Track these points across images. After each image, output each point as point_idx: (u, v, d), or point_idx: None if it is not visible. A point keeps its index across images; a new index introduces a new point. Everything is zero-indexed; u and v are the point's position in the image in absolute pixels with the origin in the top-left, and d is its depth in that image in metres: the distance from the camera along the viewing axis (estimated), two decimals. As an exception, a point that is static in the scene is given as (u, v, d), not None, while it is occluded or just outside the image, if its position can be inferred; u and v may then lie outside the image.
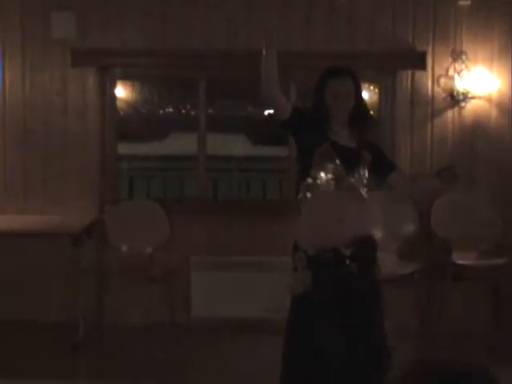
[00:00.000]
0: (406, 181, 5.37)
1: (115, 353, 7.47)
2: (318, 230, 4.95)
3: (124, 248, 7.90)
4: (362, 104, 5.15)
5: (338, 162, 4.88)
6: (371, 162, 5.04)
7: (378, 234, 5.32)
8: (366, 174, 5.01)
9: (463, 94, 7.90)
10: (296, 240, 4.98)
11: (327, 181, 4.90)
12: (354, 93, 5.06)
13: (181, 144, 14.59)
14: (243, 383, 6.48)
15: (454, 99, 7.94)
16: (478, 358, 6.67)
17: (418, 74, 8.02)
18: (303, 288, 4.89)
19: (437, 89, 8.01)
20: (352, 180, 4.93)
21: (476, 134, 8.02)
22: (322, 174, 4.90)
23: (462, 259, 7.60)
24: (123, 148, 9.27)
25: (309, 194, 4.97)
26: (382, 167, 5.15)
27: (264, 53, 4.92)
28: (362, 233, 4.91)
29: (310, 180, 4.94)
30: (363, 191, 5.00)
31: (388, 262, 7.59)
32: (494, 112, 8.01)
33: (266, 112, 23.87)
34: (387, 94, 8.23)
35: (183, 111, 27.40)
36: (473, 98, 7.92)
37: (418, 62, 7.97)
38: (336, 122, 5.04)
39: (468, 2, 7.70)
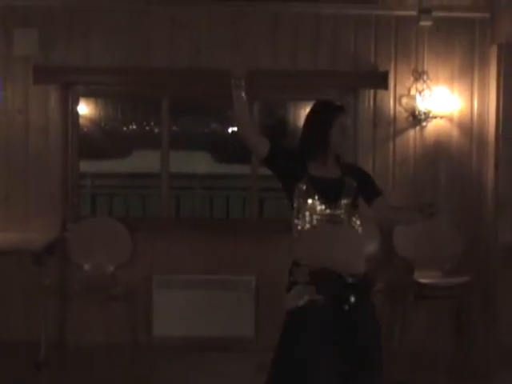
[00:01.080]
0: (389, 208, 5.15)
1: (77, 372, 7.37)
2: (320, 256, 4.76)
3: (86, 266, 7.81)
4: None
5: (316, 197, 4.75)
6: (357, 188, 4.89)
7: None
8: (352, 202, 4.83)
9: (425, 113, 7.96)
10: (297, 258, 4.82)
11: (310, 216, 4.78)
12: None
13: (144, 161, 14.58)
14: None
15: (416, 119, 7.98)
16: (439, 378, 6.91)
17: (380, 93, 8.04)
18: (305, 299, 4.70)
19: (399, 108, 8.04)
20: (337, 212, 4.78)
21: (438, 153, 8.04)
22: (305, 211, 4.79)
23: (423, 278, 7.63)
24: (86, 165, 9.20)
25: (298, 227, 4.83)
26: (369, 192, 4.97)
27: (233, 96, 4.84)
28: (357, 268, 4.78)
29: (295, 214, 4.84)
30: (353, 220, 4.82)
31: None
32: (455, 132, 8.09)
33: (230, 129, 23.87)
34: (350, 113, 7.94)
35: (147, 128, 27.38)
36: (434, 117, 7.98)
37: (380, 81, 7.99)
38: (332, 154, 4.92)
39: (429, 22, 7.74)
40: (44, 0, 7.84)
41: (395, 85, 8.03)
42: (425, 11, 7.70)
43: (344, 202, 4.75)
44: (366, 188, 4.94)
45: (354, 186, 4.84)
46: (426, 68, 7.99)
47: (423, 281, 7.60)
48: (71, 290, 7.77)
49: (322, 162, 4.87)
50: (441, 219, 7.70)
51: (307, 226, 4.77)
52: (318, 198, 4.74)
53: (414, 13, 7.77)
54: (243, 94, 4.81)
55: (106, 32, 7.95)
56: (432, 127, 8.02)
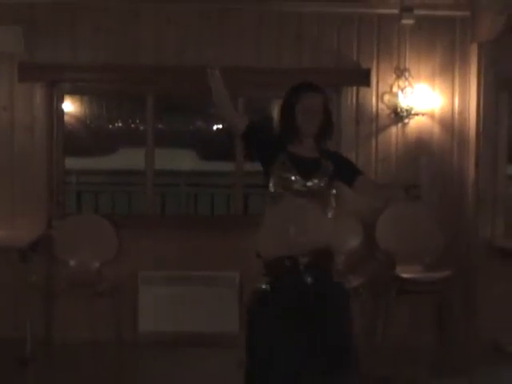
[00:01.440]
0: (372, 184, 5.24)
1: (63, 369, 7.35)
2: (277, 238, 4.81)
3: (71, 263, 7.80)
4: (330, 119, 5.04)
5: (294, 171, 4.80)
6: (335, 171, 4.91)
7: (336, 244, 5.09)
8: (325, 183, 4.88)
9: (407, 110, 8.00)
10: (256, 248, 4.89)
11: (285, 190, 4.81)
12: (321, 107, 4.95)
13: (129, 159, 14.63)
14: None
15: (398, 115, 8.02)
16: (421, 372, 6.92)
17: (363, 90, 8.09)
18: (259, 294, 4.80)
19: (381, 105, 8.09)
20: (310, 188, 4.82)
21: (419, 150, 8.06)
22: (280, 185, 4.83)
23: (405, 273, 7.63)
24: (71, 162, 9.20)
25: (270, 204, 4.91)
26: (348, 174, 4.97)
27: (210, 82, 4.91)
28: (318, 244, 4.78)
29: (270, 190, 4.88)
30: (325, 199, 4.87)
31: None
32: (436, 128, 8.16)
33: (215, 127, 23.82)
34: (333, 110, 8.10)
35: (132, 126, 27.26)
36: (416, 114, 8.02)
37: (363, 78, 8.04)
38: (303, 134, 4.93)
39: (411, 21, 7.79)
40: (29, -4, 7.68)
41: (377, 82, 8.09)
42: (407, 9, 7.74)
43: (316, 180, 4.80)
44: (346, 170, 4.97)
45: (331, 169, 4.88)
46: (407, 66, 8.04)
47: (405, 275, 7.61)
48: (57, 287, 7.78)
49: (298, 142, 4.93)
50: (423, 214, 7.99)
51: (280, 199, 4.80)
52: (296, 173, 4.79)
53: (396, 11, 7.80)
54: (220, 80, 4.88)
55: (91, 29, 7.94)
56: (414, 124, 8.07)
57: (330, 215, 4.89)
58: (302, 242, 4.75)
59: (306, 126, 4.91)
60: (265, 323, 4.74)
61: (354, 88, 8.13)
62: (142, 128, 10.80)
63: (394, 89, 8.02)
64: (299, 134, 4.93)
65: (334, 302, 4.81)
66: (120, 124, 29.26)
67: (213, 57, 5.03)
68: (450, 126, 8.14)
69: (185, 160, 22.39)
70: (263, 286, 4.75)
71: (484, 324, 7.80)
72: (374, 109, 8.11)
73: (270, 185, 4.86)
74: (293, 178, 4.79)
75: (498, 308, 7.78)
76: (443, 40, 8.08)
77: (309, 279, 4.72)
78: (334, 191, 4.88)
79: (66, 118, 8.47)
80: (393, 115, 8.04)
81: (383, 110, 8.07)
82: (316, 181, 4.81)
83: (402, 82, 8.01)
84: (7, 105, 7.92)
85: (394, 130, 8.11)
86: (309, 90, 4.95)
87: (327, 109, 4.99)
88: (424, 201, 5.31)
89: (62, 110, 8.30)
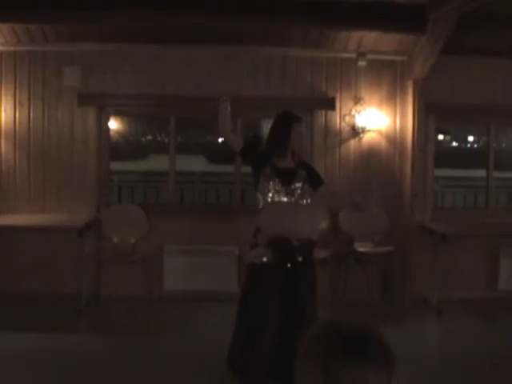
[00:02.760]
0: (330, 194, 5.52)
1: (108, 316, 7.78)
2: (277, 224, 5.09)
3: (114, 239, 8.08)
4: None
5: (276, 180, 5.13)
6: (306, 177, 5.26)
7: (316, 232, 5.37)
8: (302, 186, 5.20)
9: (362, 128, 8.17)
10: (259, 226, 5.13)
11: (269, 194, 5.16)
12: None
13: (157, 163, 14.15)
14: (204, 339, 6.48)
15: (355, 132, 8.22)
16: (369, 319, 6.41)
17: (330, 113, 8.26)
18: (263, 259, 5.03)
19: (343, 124, 8.25)
20: (290, 191, 5.16)
21: (371, 157, 8.29)
22: (266, 190, 5.17)
23: (360, 248, 7.97)
24: (114, 165, 9.23)
25: (261, 203, 5.20)
26: (314, 181, 5.29)
27: (220, 108, 5.22)
28: (302, 235, 5.10)
29: (259, 193, 5.21)
30: (302, 199, 5.19)
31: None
32: (383, 142, 8.31)
33: (220, 139, 23.93)
34: (308, 128, 8.25)
35: (159, 139, 27.00)
36: (368, 131, 8.21)
37: (330, 104, 8.23)
38: (288, 151, 5.28)
39: (364, 63, 8.09)
40: (86, 45, 7.95)
41: (340, 107, 8.23)
42: (361, 54, 8.06)
43: (296, 185, 5.18)
44: (313, 178, 5.31)
45: (305, 175, 5.25)
46: (362, 95, 8.20)
47: (360, 250, 7.94)
48: (104, 256, 8.06)
49: (282, 157, 5.25)
50: (374, 205, 8.27)
51: (268, 201, 5.15)
52: (278, 181, 5.15)
53: (353, 56, 8.08)
54: (228, 108, 5.22)
55: (130, 68, 8.11)
56: (367, 138, 8.24)
57: (311, 208, 5.28)
58: (295, 230, 5.08)
59: (298, 146, 5.32)
60: (260, 285, 5.09)
61: (324, 111, 8.26)
62: (166, 140, 10.81)
63: (353, 112, 8.18)
64: (286, 151, 5.27)
65: (308, 278, 5.18)
66: (150, 137, 29.31)
67: (221, 89, 5.44)
68: (393, 140, 8.29)
69: (198, 163, 22.07)
70: (264, 259, 5.04)
71: (416, 285, 8.03)
72: (338, 126, 8.25)
73: (259, 187, 5.21)
74: (274, 185, 5.15)
75: (426, 273, 8.01)
76: (388, 77, 8.25)
77: (299, 258, 5.09)
78: (306, 192, 5.24)
79: (111, 133, 8.62)
80: (351, 131, 8.22)
81: (344, 127, 8.23)
82: (294, 186, 5.17)
83: (358, 107, 8.15)
84: (69, 123, 8.10)
85: (352, 142, 8.26)
86: (299, 120, 5.37)
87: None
88: (366, 212, 5.84)
89: (108, 127, 8.44)
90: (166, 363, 5.97)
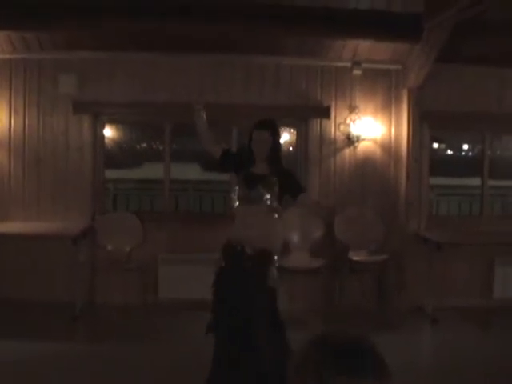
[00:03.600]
0: (309, 201, 5.50)
1: (103, 324, 7.71)
2: (235, 230, 5.17)
3: (109, 247, 8.07)
4: (275, 147, 5.30)
5: (243, 185, 5.19)
6: (281, 185, 5.17)
7: (275, 243, 5.32)
8: (269, 192, 5.14)
9: (356, 136, 8.20)
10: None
11: (235, 198, 5.23)
12: (271, 139, 5.26)
13: (151, 170, 13.90)
14: (198, 347, 5.92)
15: (350, 141, 8.24)
16: (365, 328, 6.89)
17: (325, 122, 8.28)
18: (218, 267, 5.24)
19: (338, 133, 8.28)
20: (252, 197, 5.15)
21: (366, 166, 8.30)
22: (234, 195, 5.25)
23: (355, 256, 7.96)
24: (109, 173, 9.25)
25: (233, 207, 5.30)
26: (293, 189, 5.20)
27: (195, 117, 5.33)
28: (257, 244, 5.09)
29: (233, 197, 5.28)
30: (269, 205, 5.14)
31: (302, 258, 7.98)
32: (378, 151, 8.34)
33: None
34: (302, 136, 8.44)
35: (154, 146, 27.04)
36: (363, 139, 8.23)
37: (325, 113, 8.25)
38: (258, 159, 5.28)
39: (359, 72, 8.11)
40: (80, 53, 7.93)
41: (335, 116, 8.25)
42: (356, 63, 8.07)
43: (260, 190, 5.14)
44: (292, 186, 5.23)
45: (274, 180, 5.17)
46: (357, 104, 8.22)
47: (355, 258, 7.93)
48: (99, 264, 8.04)
49: (255, 164, 5.29)
50: (368, 214, 8.17)
51: (235, 206, 5.25)
52: (243, 186, 5.20)
53: (348, 64, 8.10)
54: (203, 116, 5.33)
55: (123, 76, 8.13)
56: (362, 147, 8.26)
57: (271, 216, 5.19)
58: (247, 237, 5.09)
59: (258, 151, 5.27)
60: (220, 291, 5.25)
61: (318, 120, 8.28)
62: (160, 148, 10.75)
63: (348, 121, 8.20)
64: (253, 157, 5.31)
65: (258, 291, 5.11)
66: (145, 145, 29.33)
67: (203, 97, 5.47)
68: (388, 148, 8.32)
69: (192, 171, 21.92)
70: (222, 264, 5.23)
71: (411, 293, 8.05)
72: (333, 135, 8.27)
73: (232, 194, 5.32)
74: (240, 189, 5.21)
75: (421, 281, 7.97)
76: (383, 86, 8.29)
77: (250, 264, 5.10)
78: (275, 200, 5.17)
79: (105, 140, 8.63)
80: (346, 140, 8.24)
81: (339, 136, 8.25)
82: (257, 191, 5.14)
83: (353, 116, 8.18)
84: (64, 131, 8.10)
85: (347, 151, 8.28)
86: (258, 126, 5.30)
87: (274, 139, 5.31)
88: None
89: (103, 135, 8.47)
90: (160, 371, 5.97)
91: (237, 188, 5.28)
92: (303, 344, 1.69)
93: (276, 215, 5.25)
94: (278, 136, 5.44)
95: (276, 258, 5.28)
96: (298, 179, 5.55)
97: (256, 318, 5.06)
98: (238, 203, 5.25)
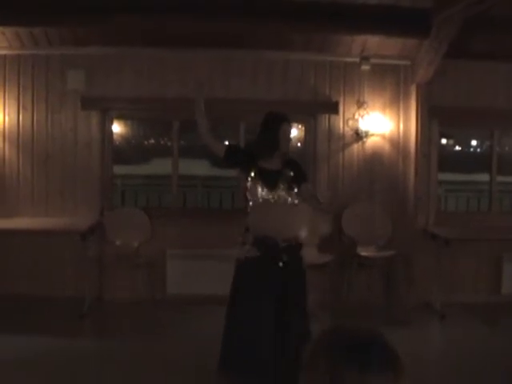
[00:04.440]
0: (309, 194, 5.25)
1: (111, 319, 7.76)
2: (264, 224, 5.11)
3: (117, 242, 8.08)
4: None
5: (261, 183, 5.11)
6: (293, 177, 5.20)
7: (303, 233, 5.21)
8: (288, 186, 5.13)
9: (365, 132, 8.20)
10: (248, 226, 5.17)
11: (258, 195, 5.14)
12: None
13: (160, 166, 13.91)
14: (207, 342, 6.05)
15: (359, 136, 8.24)
16: (373, 323, 6.55)
17: (333, 117, 8.28)
18: (248, 257, 5.09)
19: (346, 128, 8.27)
20: (275, 194, 5.12)
21: (374, 161, 8.30)
22: (254, 191, 5.14)
23: (363, 252, 7.95)
24: (117, 169, 9.26)
25: (250, 204, 5.17)
26: (298, 179, 5.21)
27: (196, 116, 5.36)
28: (289, 235, 5.10)
29: (248, 194, 5.18)
30: (289, 200, 5.12)
31: (310, 254, 8.02)
32: (387, 146, 8.33)
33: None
34: (311, 132, 8.42)
35: (162, 142, 27.02)
36: (372, 135, 8.24)
37: (333, 108, 8.25)
38: (277, 153, 5.25)
39: (368, 67, 8.08)
40: (89, 49, 7.95)
41: (344, 111, 8.26)
42: (365, 59, 8.05)
43: (281, 187, 5.13)
44: (298, 176, 5.24)
45: (290, 175, 5.19)
46: (365, 99, 8.22)
47: (363, 254, 7.92)
48: (107, 260, 8.05)
49: (269, 157, 5.23)
50: (376, 209, 8.16)
51: (255, 204, 5.13)
52: (262, 184, 5.12)
53: (357, 60, 8.08)
54: (204, 116, 5.38)
55: (132, 72, 8.13)
56: (370, 142, 8.26)
57: (295, 206, 5.17)
58: (281, 231, 5.08)
59: (285, 145, 5.25)
60: (248, 282, 5.14)
61: (327, 115, 8.27)
62: (169, 144, 10.71)
63: (356, 116, 8.20)
64: (274, 151, 5.24)
65: (298, 278, 5.18)
66: (153, 141, 29.31)
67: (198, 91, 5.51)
68: (397, 144, 8.31)
69: (201, 167, 21.24)
70: (252, 254, 5.08)
71: (419, 289, 8.03)
72: (341, 131, 8.26)
73: (249, 189, 5.18)
74: (259, 189, 5.12)
75: (429, 277, 8.00)
76: (391, 81, 8.29)
77: (284, 258, 5.07)
78: (295, 191, 5.16)
79: (114, 136, 8.69)
80: (355, 136, 8.23)
81: (348, 131, 8.25)
82: (279, 188, 5.13)
83: (361, 111, 8.18)
84: (72, 127, 8.12)
85: (355, 146, 8.27)
86: (288, 120, 5.30)
87: None
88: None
89: (111, 131, 8.49)
90: (168, 366, 5.98)
91: (250, 184, 5.18)
92: (314, 338, 1.67)
93: (297, 203, 5.20)
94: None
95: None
96: (303, 168, 5.53)
97: (293, 305, 5.10)
98: (258, 199, 5.16)
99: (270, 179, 5.18)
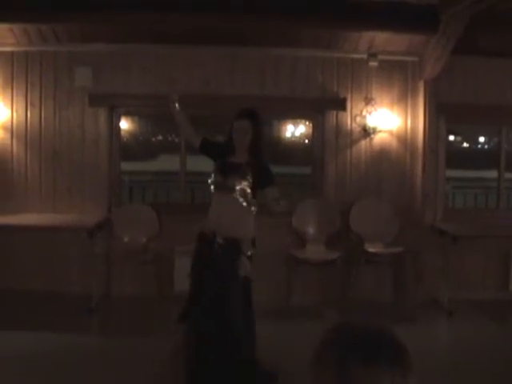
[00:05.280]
0: (270, 197, 5.27)
1: (118, 315, 7.79)
2: (208, 220, 5.37)
3: (125, 239, 8.10)
4: (257, 137, 5.41)
5: (217, 173, 5.34)
6: (253, 176, 5.23)
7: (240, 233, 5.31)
8: (241, 182, 5.17)
9: (373, 128, 8.20)
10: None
11: (212, 185, 5.37)
12: (251, 128, 5.37)
13: (167, 162, 14.08)
14: None
15: (366, 132, 8.24)
16: (380, 319, 6.74)
17: (341, 113, 8.29)
18: (193, 256, 5.48)
19: (354, 124, 8.28)
20: (225, 185, 5.24)
21: (382, 158, 8.30)
22: (213, 182, 5.37)
23: (371, 248, 7.94)
24: (125, 165, 9.28)
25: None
26: (263, 182, 5.26)
27: (172, 111, 5.59)
28: (229, 233, 5.21)
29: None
30: (242, 194, 5.17)
31: (318, 250, 8.04)
32: (394, 142, 8.33)
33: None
34: (319, 128, 8.43)
35: (169, 139, 27.06)
36: (379, 131, 8.23)
37: (341, 105, 8.25)
38: (238, 149, 5.42)
39: (375, 63, 8.09)
40: (96, 45, 7.97)
41: (351, 108, 8.26)
42: (372, 55, 8.07)
43: (232, 177, 5.20)
44: (263, 179, 5.28)
45: (247, 170, 5.23)
46: (373, 95, 8.23)
47: (371, 250, 7.91)
48: (115, 256, 8.03)
49: (234, 154, 5.43)
50: (384, 206, 8.16)
51: (212, 193, 5.37)
52: (217, 173, 5.34)
53: (364, 56, 8.10)
54: (178, 111, 5.63)
55: (139, 69, 8.14)
56: (378, 139, 8.27)
57: (243, 206, 5.21)
58: (218, 226, 5.24)
59: (235, 142, 5.41)
60: (194, 278, 5.42)
61: (335, 112, 8.28)
62: (176, 140, 10.75)
63: (364, 112, 8.21)
64: (233, 145, 5.44)
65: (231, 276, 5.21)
66: (160, 137, 29.36)
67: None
68: (404, 140, 8.31)
69: (208, 163, 21.91)
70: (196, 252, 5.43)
71: (427, 285, 8.08)
72: (349, 127, 8.28)
73: (209, 181, 5.43)
74: (215, 176, 5.35)
75: (437, 274, 8.00)
76: (399, 77, 8.29)
77: (220, 252, 5.21)
78: (248, 190, 5.18)
79: (121, 133, 8.67)
80: (362, 132, 8.25)
81: (356, 128, 8.26)
82: (230, 180, 5.20)
83: (369, 108, 8.18)
84: (80, 123, 8.14)
85: (363, 143, 8.28)
86: (239, 115, 5.42)
87: (255, 130, 5.40)
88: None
89: (119, 127, 8.50)
90: (175, 363, 5.97)
91: (212, 175, 5.38)
92: (322, 334, 1.67)
93: (246, 205, 5.22)
94: (259, 126, 5.50)
95: (246, 247, 5.28)
96: (270, 172, 5.51)
97: (228, 306, 5.13)
98: (213, 190, 5.36)
99: (225, 169, 5.33)
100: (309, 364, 1.64)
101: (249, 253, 5.31)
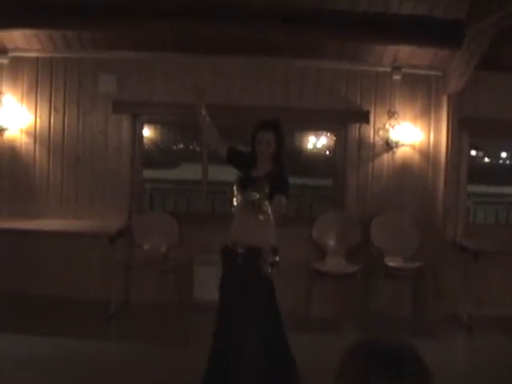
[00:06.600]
0: (274, 206, 5.13)
1: (138, 323, 7.79)
2: (230, 232, 5.33)
3: (146, 247, 8.10)
4: (279, 149, 5.31)
5: (237, 187, 5.27)
6: (270, 186, 5.05)
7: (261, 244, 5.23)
8: (259, 194, 5.00)
9: (395, 142, 8.16)
10: None
11: (235, 200, 5.33)
12: (275, 140, 5.26)
13: (189, 171, 14.20)
14: None
15: (389, 146, 8.22)
16: (400, 335, 6.80)
17: (364, 126, 8.27)
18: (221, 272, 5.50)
19: (377, 138, 8.27)
20: (245, 199, 5.13)
21: (404, 172, 8.26)
22: (235, 196, 5.34)
23: (391, 262, 7.90)
24: (147, 173, 9.34)
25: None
26: (273, 190, 5.06)
27: (199, 120, 5.47)
28: (248, 243, 5.17)
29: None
30: (258, 208, 5.04)
31: (338, 263, 8.01)
32: (417, 156, 8.28)
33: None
34: (341, 140, 8.41)
35: (191, 147, 27.19)
36: (402, 145, 8.20)
37: (364, 118, 8.24)
38: (260, 161, 5.34)
39: (399, 77, 8.13)
40: (121, 53, 8.04)
41: (374, 121, 8.24)
42: (396, 68, 8.10)
43: (250, 192, 5.03)
44: (274, 187, 5.07)
45: (265, 185, 5.03)
46: (396, 109, 8.20)
47: (391, 264, 7.86)
48: (135, 264, 8.05)
49: (257, 166, 5.36)
50: (405, 220, 8.11)
51: (233, 208, 5.36)
52: (237, 187, 5.28)
53: (388, 69, 8.13)
54: (206, 118, 5.47)
55: (163, 77, 8.17)
56: (400, 153, 8.23)
57: (262, 219, 5.07)
58: (239, 237, 5.22)
59: (261, 152, 5.32)
60: (222, 293, 5.52)
61: (358, 125, 8.27)
62: (198, 149, 10.81)
63: (387, 126, 8.18)
64: (255, 158, 5.37)
65: (255, 288, 5.21)
66: (181, 146, 29.47)
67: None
68: (427, 154, 8.27)
69: (230, 173, 21.84)
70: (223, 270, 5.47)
71: (447, 300, 8.00)
72: (372, 140, 8.26)
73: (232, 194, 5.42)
74: (237, 190, 5.30)
75: (457, 289, 7.92)
76: (423, 91, 8.25)
77: (241, 263, 5.22)
78: (266, 202, 5.02)
79: (144, 140, 8.66)
80: (385, 145, 8.22)
81: (378, 141, 8.25)
82: (249, 194, 5.05)
83: (392, 121, 8.15)
84: (103, 130, 8.18)
85: (385, 156, 8.26)
86: (262, 127, 5.32)
87: (278, 142, 5.30)
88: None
89: (142, 135, 8.51)
90: (193, 371, 5.95)
91: (234, 189, 5.35)
92: (345, 348, 1.66)
93: (263, 217, 5.10)
94: (282, 137, 5.40)
95: (267, 254, 5.21)
96: (286, 182, 5.39)
97: (251, 309, 5.18)
98: (234, 203, 5.35)
99: (245, 183, 5.24)
100: (331, 378, 1.63)
101: (270, 259, 5.24)
